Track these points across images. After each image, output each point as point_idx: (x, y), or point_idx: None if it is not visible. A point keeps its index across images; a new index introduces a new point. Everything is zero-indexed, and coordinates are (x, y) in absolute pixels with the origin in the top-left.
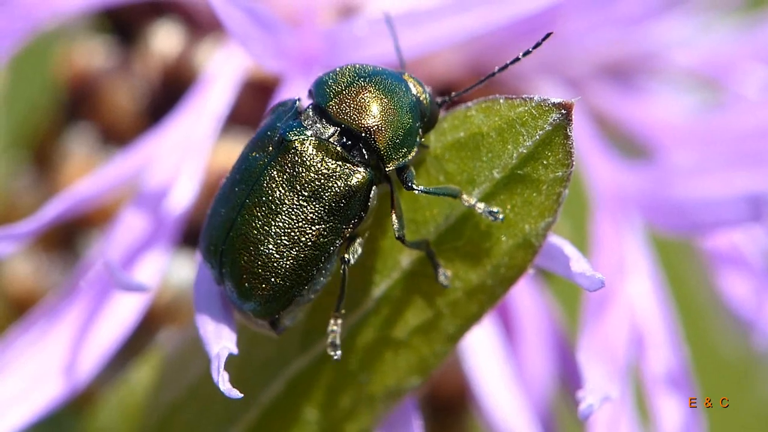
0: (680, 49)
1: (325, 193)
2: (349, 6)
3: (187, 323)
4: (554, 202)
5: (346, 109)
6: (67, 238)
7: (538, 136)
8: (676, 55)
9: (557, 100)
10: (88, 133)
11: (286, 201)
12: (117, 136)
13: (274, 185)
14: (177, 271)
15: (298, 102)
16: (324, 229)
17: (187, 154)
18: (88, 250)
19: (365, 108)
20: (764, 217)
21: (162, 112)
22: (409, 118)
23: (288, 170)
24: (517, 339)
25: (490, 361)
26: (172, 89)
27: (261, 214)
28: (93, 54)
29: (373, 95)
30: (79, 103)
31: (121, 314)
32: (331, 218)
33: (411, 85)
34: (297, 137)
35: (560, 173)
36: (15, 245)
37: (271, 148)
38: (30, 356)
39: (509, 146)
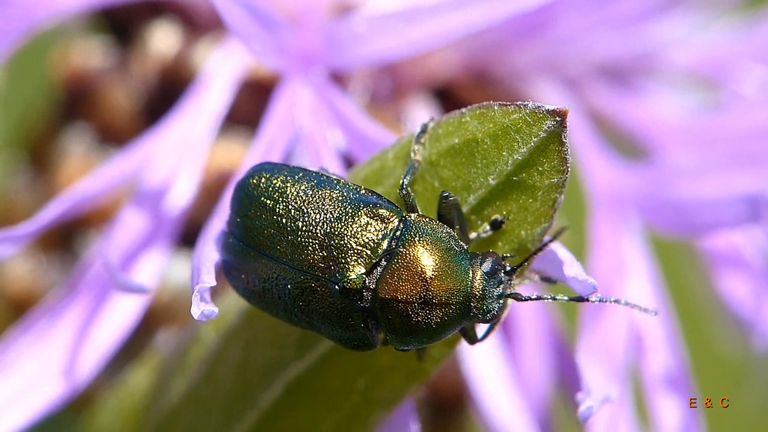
0: (678, 49)
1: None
2: (348, 4)
3: (186, 324)
4: (550, 207)
5: (389, 290)
6: (66, 239)
7: (533, 143)
8: (674, 55)
9: (552, 108)
10: (85, 133)
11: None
12: (114, 136)
13: (306, 285)
14: (176, 271)
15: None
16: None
17: (185, 154)
18: (87, 250)
19: (404, 308)
20: (763, 217)
21: (159, 112)
22: (439, 333)
23: (319, 296)
24: (516, 340)
25: (488, 362)
26: (169, 89)
27: (279, 277)
28: (90, 54)
29: (420, 306)
30: (76, 103)
31: (120, 315)
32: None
33: (477, 283)
34: (345, 283)
35: (555, 179)
36: (14, 247)
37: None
38: (29, 357)
39: (504, 153)
